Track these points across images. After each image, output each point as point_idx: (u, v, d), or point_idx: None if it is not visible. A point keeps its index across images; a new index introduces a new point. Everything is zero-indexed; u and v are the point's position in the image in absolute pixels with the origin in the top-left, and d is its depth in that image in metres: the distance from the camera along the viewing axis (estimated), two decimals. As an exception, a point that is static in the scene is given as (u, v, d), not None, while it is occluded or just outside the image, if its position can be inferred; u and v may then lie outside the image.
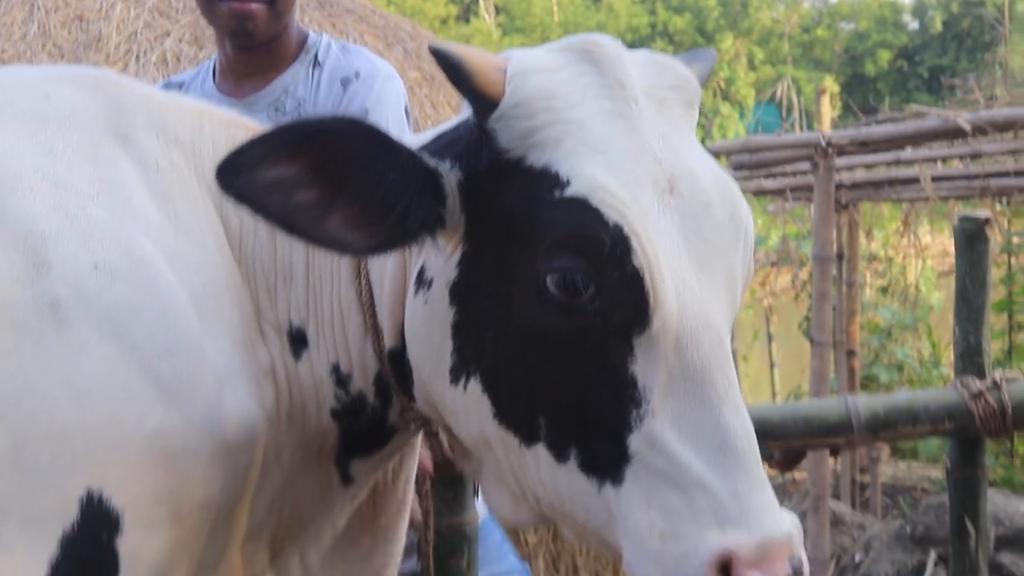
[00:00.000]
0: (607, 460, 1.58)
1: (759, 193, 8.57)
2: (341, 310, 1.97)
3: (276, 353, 1.95)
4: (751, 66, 37.30)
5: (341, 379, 1.98)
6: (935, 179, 7.21)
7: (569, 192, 1.55)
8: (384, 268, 1.91)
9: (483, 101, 1.65)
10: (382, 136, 1.66)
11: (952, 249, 3.03)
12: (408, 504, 2.29)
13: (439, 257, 1.73)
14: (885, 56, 39.73)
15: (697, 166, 1.62)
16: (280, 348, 1.96)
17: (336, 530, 2.14)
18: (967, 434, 2.79)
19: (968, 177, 7.55)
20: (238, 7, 2.88)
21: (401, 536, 2.28)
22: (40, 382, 1.67)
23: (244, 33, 2.95)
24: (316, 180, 1.63)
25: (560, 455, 1.64)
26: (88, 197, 1.82)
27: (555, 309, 1.56)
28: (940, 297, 12.59)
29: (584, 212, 1.54)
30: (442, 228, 1.70)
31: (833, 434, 2.72)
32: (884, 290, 12.27)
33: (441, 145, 1.75)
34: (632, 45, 1.69)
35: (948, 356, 10.61)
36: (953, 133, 5.96)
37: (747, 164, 6.68)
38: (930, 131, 6.04)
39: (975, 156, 7.11)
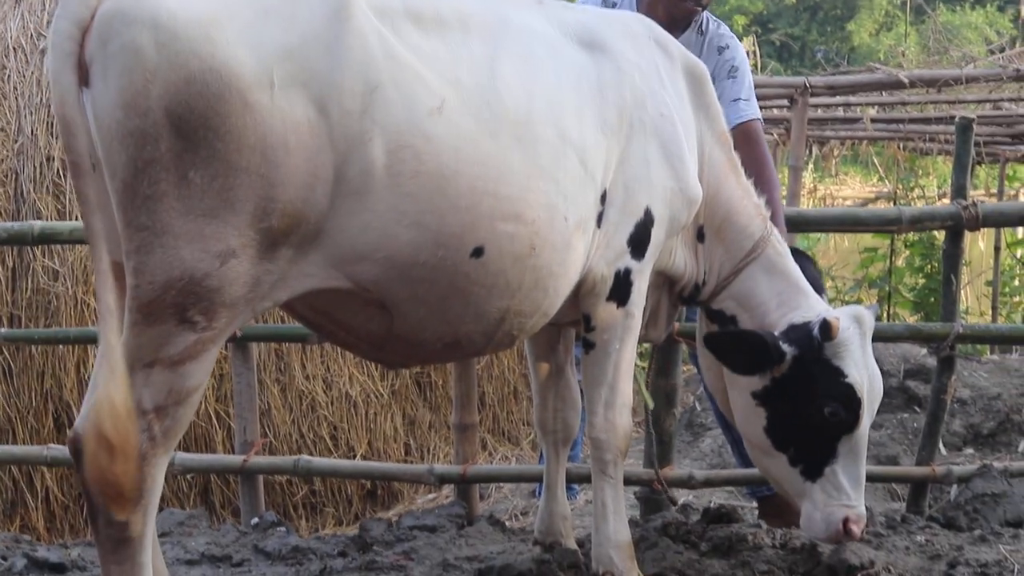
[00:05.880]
0: (814, 473, 3.47)
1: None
2: (718, 269, 3.72)
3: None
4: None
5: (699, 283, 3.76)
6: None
7: (845, 380, 3.42)
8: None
9: (828, 339, 3.40)
10: (762, 336, 3.43)
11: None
12: None
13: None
14: (740, 21, 41.78)
15: (876, 371, 3.52)
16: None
17: (663, 316, 3.90)
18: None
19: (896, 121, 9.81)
20: (690, 7, 4.55)
21: None
22: (637, 155, 3.33)
23: (687, 19, 4.60)
24: (740, 352, 3.47)
25: (793, 464, 3.51)
26: (651, 76, 3.44)
27: (822, 418, 3.41)
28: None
29: (850, 389, 3.41)
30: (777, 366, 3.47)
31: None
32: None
33: (792, 336, 3.46)
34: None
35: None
36: (895, 84, 8.00)
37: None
38: (878, 82, 8.11)
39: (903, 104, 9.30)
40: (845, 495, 3.43)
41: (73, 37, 2.43)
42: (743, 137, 4.54)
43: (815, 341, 3.43)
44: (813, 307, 3.58)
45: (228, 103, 2.45)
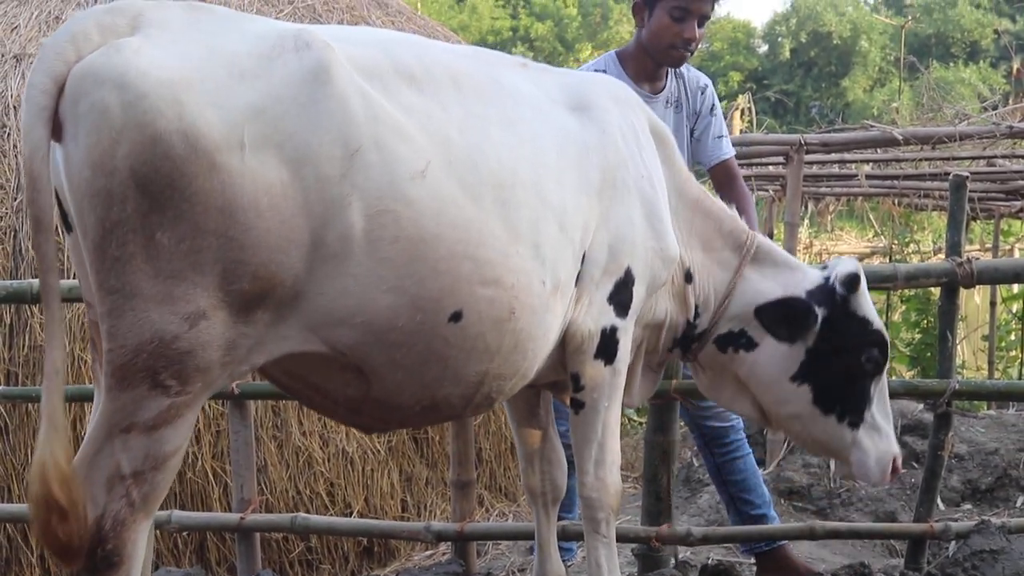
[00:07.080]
0: (858, 421, 3.71)
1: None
2: (714, 295, 3.80)
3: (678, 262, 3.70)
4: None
5: (690, 320, 3.82)
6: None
7: (873, 328, 3.68)
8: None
9: (854, 291, 3.63)
10: (800, 298, 3.68)
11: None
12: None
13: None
14: (735, 78, 42.19)
15: None
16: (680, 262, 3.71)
17: (653, 367, 3.98)
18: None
19: (891, 177, 9.89)
20: (681, 54, 4.72)
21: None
22: (620, 215, 3.38)
23: (675, 66, 4.85)
24: (786, 318, 3.70)
25: (840, 419, 3.70)
26: (632, 138, 3.49)
27: (860, 365, 3.65)
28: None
29: (879, 335, 3.68)
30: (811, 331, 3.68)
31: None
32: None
33: (818, 296, 3.67)
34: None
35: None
36: (890, 141, 8.06)
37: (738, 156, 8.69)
38: (873, 139, 8.19)
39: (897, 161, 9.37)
40: (885, 435, 3.72)
41: (48, 91, 2.44)
42: (725, 173, 4.97)
43: (839, 297, 3.65)
44: (814, 275, 3.75)
45: (194, 164, 2.44)
